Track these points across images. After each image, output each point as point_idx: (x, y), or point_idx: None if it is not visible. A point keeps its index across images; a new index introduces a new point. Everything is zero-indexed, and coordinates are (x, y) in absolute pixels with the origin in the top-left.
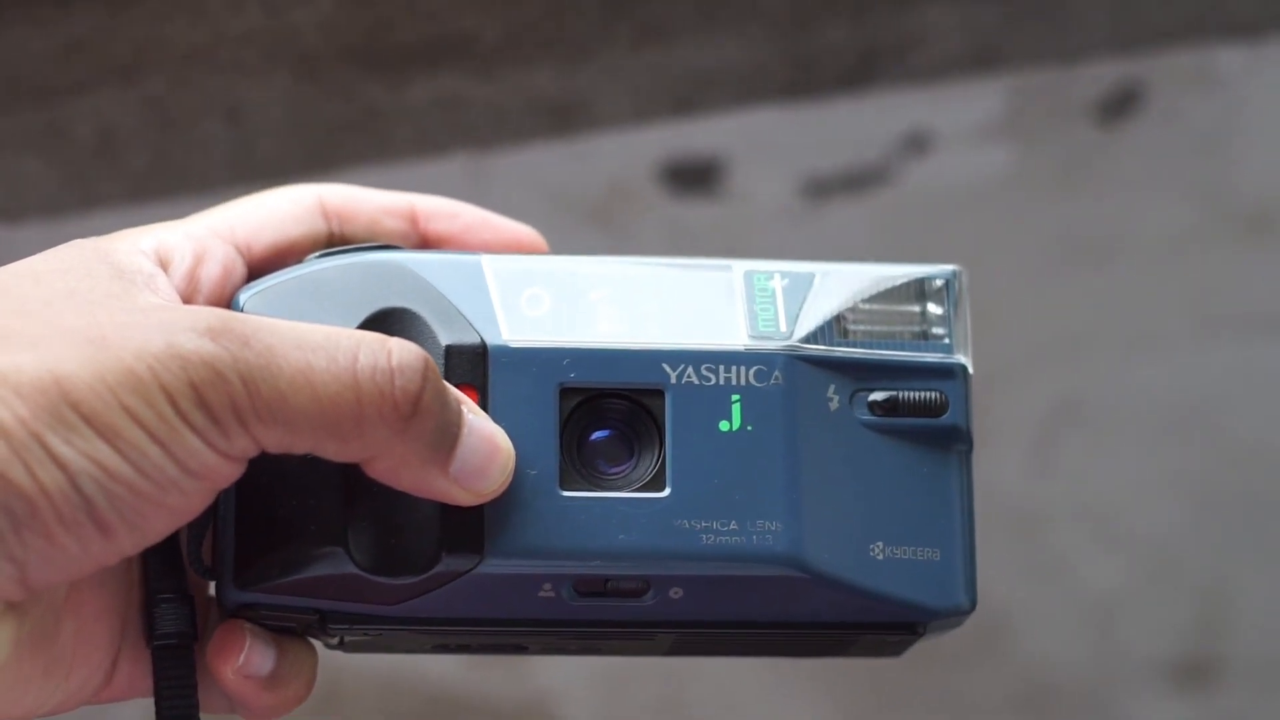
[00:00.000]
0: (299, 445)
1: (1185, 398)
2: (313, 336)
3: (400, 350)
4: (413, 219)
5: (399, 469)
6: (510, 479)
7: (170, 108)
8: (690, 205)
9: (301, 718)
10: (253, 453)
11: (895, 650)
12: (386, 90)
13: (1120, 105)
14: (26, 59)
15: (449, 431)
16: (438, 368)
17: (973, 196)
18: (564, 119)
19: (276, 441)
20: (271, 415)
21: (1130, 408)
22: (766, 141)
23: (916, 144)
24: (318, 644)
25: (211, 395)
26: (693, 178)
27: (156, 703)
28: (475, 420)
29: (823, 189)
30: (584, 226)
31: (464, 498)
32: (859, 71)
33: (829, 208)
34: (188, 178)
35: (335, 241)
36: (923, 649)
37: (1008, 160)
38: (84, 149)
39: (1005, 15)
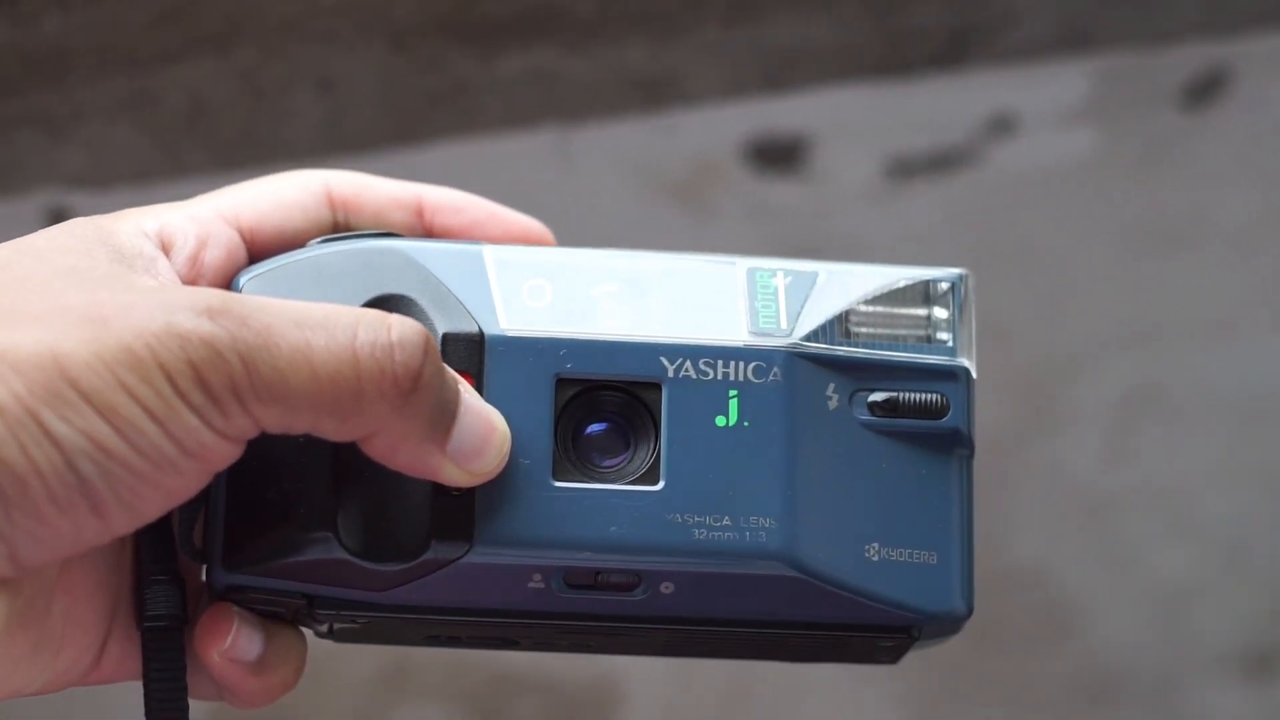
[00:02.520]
0: (298, 425)
1: (1262, 386)
2: (312, 314)
3: (400, 326)
4: (419, 211)
5: (397, 446)
6: (505, 461)
7: (261, 78)
8: (774, 184)
9: (371, 693)
10: (252, 433)
11: (890, 655)
12: (477, 63)
13: (1206, 90)
14: (118, 28)
15: (447, 409)
16: None
17: (1056, 179)
18: (654, 94)
19: (275, 421)
20: (270, 394)
21: (1207, 395)
22: (852, 121)
23: (1002, 126)
24: (308, 633)
25: (210, 374)
26: (777, 156)
27: (145, 685)
28: (472, 400)
29: (906, 170)
30: (668, 203)
31: (460, 477)
32: (949, 52)
33: (912, 189)
34: (278, 148)
35: (340, 231)
36: (989, 631)
37: (1092, 144)
38: (175, 118)
39: None
